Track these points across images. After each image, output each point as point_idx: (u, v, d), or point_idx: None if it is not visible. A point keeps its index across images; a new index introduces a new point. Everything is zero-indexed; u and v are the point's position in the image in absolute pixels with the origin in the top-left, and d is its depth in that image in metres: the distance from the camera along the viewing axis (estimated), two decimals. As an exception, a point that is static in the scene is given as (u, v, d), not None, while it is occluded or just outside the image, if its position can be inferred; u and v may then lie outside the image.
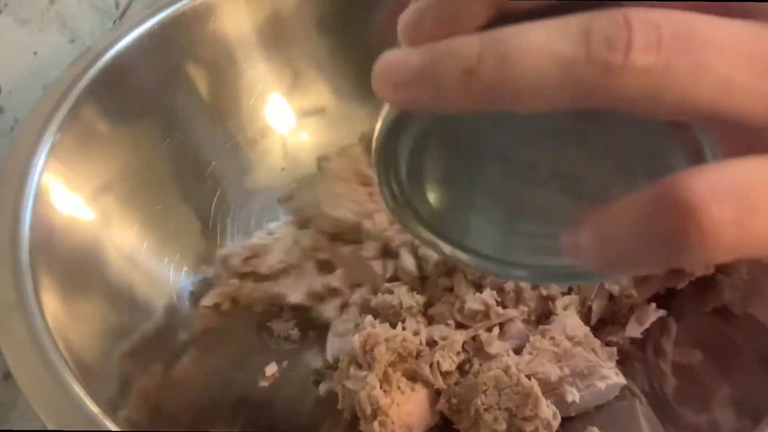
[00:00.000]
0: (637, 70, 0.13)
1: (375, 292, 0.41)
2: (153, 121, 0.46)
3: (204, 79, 0.49)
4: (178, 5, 0.47)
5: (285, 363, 0.43)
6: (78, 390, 0.31)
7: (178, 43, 0.47)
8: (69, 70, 0.43)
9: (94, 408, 0.30)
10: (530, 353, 0.37)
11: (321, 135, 0.53)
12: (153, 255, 0.44)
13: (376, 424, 0.34)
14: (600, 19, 0.14)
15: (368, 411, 0.35)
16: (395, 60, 0.15)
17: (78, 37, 0.52)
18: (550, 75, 0.14)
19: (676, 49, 0.13)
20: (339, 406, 0.37)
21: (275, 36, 0.51)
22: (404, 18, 0.16)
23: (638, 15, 0.13)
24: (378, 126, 0.17)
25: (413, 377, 0.37)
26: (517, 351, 0.38)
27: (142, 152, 0.45)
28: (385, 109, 0.17)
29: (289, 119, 0.53)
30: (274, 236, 0.44)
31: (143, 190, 0.44)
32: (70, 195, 0.40)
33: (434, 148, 0.19)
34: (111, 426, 0.30)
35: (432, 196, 0.20)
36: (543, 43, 0.14)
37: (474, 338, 0.38)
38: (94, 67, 0.43)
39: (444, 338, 0.38)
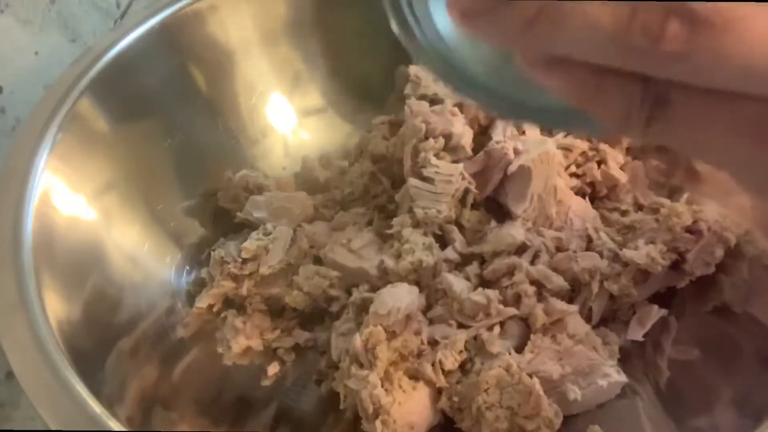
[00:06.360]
0: (663, 55, 0.16)
1: (373, 291, 0.41)
2: (154, 121, 0.46)
3: (205, 79, 0.49)
4: (178, 5, 0.47)
5: (287, 362, 0.43)
6: (80, 389, 0.31)
7: (179, 43, 0.47)
8: (70, 70, 0.43)
9: (96, 407, 0.31)
10: (532, 352, 0.37)
11: (322, 134, 0.53)
12: (154, 254, 0.44)
13: (378, 423, 0.34)
14: (644, 8, 0.16)
15: (370, 410, 0.35)
16: None
17: (79, 36, 0.52)
18: (591, 43, 0.17)
19: (700, 41, 0.16)
20: (341, 406, 0.37)
21: (276, 36, 0.51)
22: None
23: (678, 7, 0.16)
24: None
25: (415, 376, 0.37)
26: (519, 350, 0.38)
27: (143, 152, 0.45)
28: None
29: (290, 118, 0.53)
30: (271, 236, 0.44)
31: (144, 189, 0.44)
32: (71, 195, 0.40)
33: None
34: (113, 425, 0.30)
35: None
36: (592, 15, 0.16)
37: (475, 338, 0.38)
38: (95, 67, 0.43)
39: (445, 338, 0.38)
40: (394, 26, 0.21)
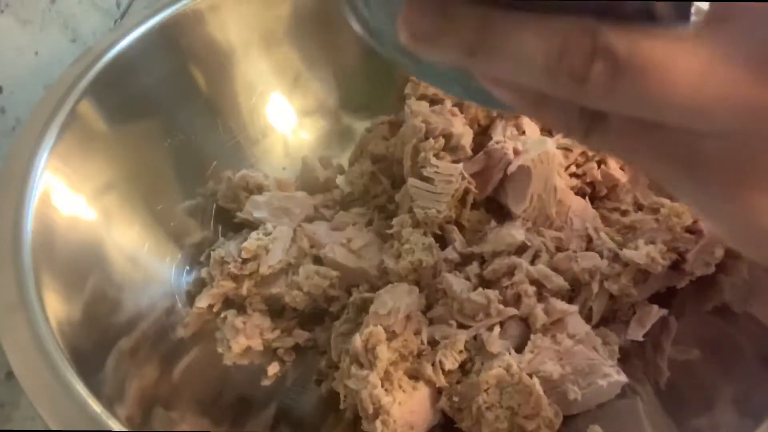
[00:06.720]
0: (588, 93, 0.17)
1: (373, 291, 0.41)
2: (154, 121, 0.46)
3: (205, 79, 0.49)
4: (179, 5, 0.47)
5: (287, 362, 0.43)
6: (80, 389, 0.31)
7: (179, 43, 0.47)
8: (70, 70, 0.43)
9: (96, 407, 0.31)
10: (532, 352, 0.37)
11: (322, 134, 0.53)
12: (154, 255, 0.44)
13: (378, 422, 0.34)
14: (573, 43, 0.17)
15: (370, 410, 0.35)
16: (415, 17, 0.19)
17: (79, 36, 0.52)
18: (524, 78, 0.18)
19: (621, 81, 0.17)
20: (341, 406, 0.37)
21: (276, 36, 0.51)
22: None
23: (606, 44, 0.17)
24: None
25: (415, 376, 0.37)
26: (519, 350, 0.38)
27: (143, 152, 0.45)
28: None
29: (290, 118, 0.53)
30: (271, 236, 0.44)
31: (144, 189, 0.44)
32: (71, 195, 0.40)
33: None
34: (113, 425, 0.30)
35: None
36: (525, 53, 0.17)
37: (475, 337, 0.38)
38: (95, 67, 0.43)
39: (445, 338, 0.38)
40: (353, 22, 0.22)
